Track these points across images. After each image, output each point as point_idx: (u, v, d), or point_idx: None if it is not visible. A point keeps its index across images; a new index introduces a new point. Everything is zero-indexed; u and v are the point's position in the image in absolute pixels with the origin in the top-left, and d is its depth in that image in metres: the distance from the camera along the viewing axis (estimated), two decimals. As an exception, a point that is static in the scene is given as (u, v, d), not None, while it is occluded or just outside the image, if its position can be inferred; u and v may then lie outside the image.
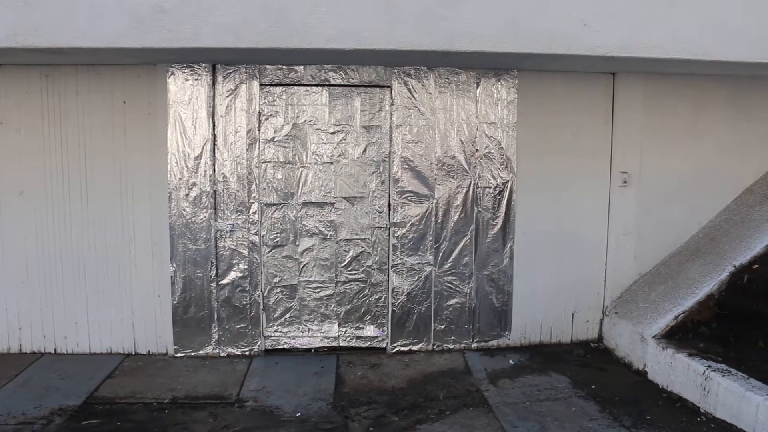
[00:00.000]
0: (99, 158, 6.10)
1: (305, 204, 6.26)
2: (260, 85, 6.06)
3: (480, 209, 6.36)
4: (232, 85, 6.01)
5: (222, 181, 6.09)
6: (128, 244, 6.21)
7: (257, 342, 6.30)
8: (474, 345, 6.50)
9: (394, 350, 6.41)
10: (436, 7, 5.22)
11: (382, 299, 6.44)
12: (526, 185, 6.44)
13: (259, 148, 6.12)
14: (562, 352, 6.50)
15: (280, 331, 6.38)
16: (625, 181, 6.57)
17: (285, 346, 6.40)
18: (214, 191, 6.09)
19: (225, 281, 6.20)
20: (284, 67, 6.06)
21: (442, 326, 6.44)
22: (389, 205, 6.30)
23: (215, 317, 6.21)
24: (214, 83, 6.00)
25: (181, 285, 6.15)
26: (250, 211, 6.15)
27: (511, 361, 6.21)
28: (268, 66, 6.04)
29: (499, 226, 6.41)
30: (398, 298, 6.36)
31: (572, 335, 6.76)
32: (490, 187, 6.35)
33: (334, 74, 6.12)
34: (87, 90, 6.04)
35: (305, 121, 6.18)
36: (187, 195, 6.05)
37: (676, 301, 5.93)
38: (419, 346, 6.44)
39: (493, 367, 6.08)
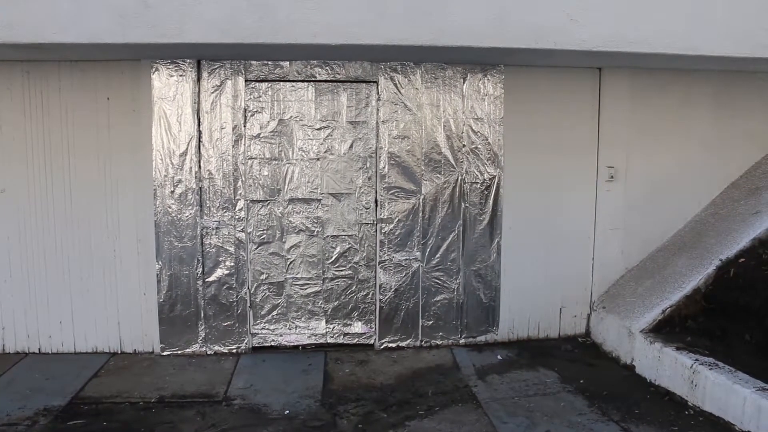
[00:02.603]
0: (83, 155, 6.04)
1: (292, 200, 6.23)
2: (246, 81, 6.01)
3: (467, 205, 6.34)
4: (217, 81, 5.96)
5: (208, 177, 6.04)
6: (113, 241, 6.15)
7: (244, 340, 6.26)
8: (462, 341, 6.49)
9: (382, 347, 6.40)
10: (422, 1, 5.20)
11: (370, 295, 6.42)
12: (513, 180, 6.44)
13: (244, 145, 6.07)
14: (550, 347, 6.51)
15: (268, 329, 6.35)
16: (612, 176, 6.59)
17: (272, 344, 6.37)
18: (200, 188, 6.04)
19: (211, 279, 6.15)
20: (270, 62, 6.01)
21: (430, 322, 6.43)
22: (376, 201, 6.27)
23: (202, 315, 6.17)
24: (199, 79, 5.94)
25: (167, 283, 6.10)
26: (236, 208, 6.11)
27: (499, 357, 6.21)
28: (253, 62, 5.99)
29: (486, 221, 6.40)
30: (386, 295, 6.34)
31: (560, 330, 6.77)
32: (477, 183, 6.34)
33: (320, 70, 6.08)
34: (70, 86, 5.97)
35: (291, 117, 6.14)
36: (172, 192, 6.00)
37: (663, 296, 5.95)
38: (407, 342, 6.43)
39: (482, 362, 6.07)
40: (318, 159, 6.20)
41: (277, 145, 6.15)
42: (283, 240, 6.27)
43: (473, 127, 6.28)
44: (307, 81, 6.11)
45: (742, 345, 5.30)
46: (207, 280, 6.15)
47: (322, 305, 6.38)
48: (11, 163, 6.00)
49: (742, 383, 4.59)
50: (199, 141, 5.99)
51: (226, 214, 6.10)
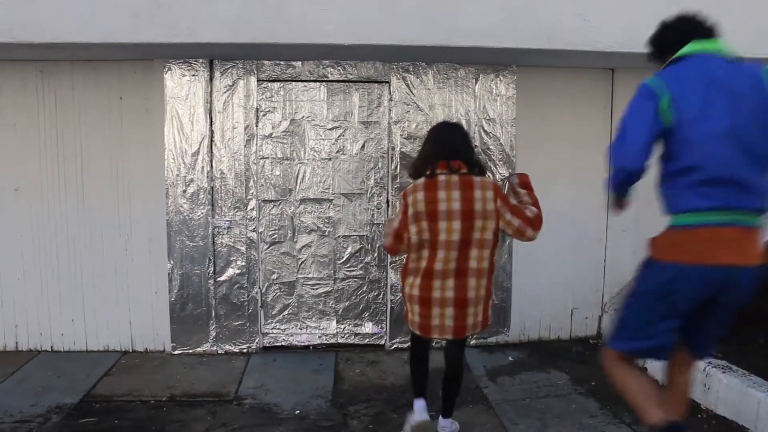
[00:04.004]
0: (95, 154, 6.07)
1: (303, 200, 6.23)
2: (258, 80, 6.02)
3: (479, 205, 6.31)
4: (229, 80, 5.97)
5: (219, 177, 6.05)
6: (125, 240, 6.17)
7: (255, 339, 6.26)
8: (473, 342, 6.46)
9: (393, 347, 6.39)
10: (435, 2, 5.20)
11: (381, 296, 6.41)
12: (525, 181, 6.41)
13: (256, 144, 6.08)
14: (561, 348, 6.48)
15: (278, 329, 6.35)
16: (624, 178, 6.54)
17: (283, 344, 6.37)
18: (212, 188, 6.05)
19: (223, 278, 6.16)
20: (282, 62, 6.02)
21: (441, 323, 6.40)
22: (388, 202, 6.26)
23: (213, 314, 6.18)
24: (211, 79, 5.96)
25: (179, 282, 6.11)
26: (248, 208, 6.11)
27: (510, 358, 6.19)
28: (265, 61, 6.00)
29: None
30: (397, 295, 6.32)
31: (571, 332, 6.74)
32: (489, 184, 6.31)
33: (332, 70, 6.08)
34: (83, 86, 6.00)
35: (303, 117, 6.14)
36: (184, 191, 6.02)
37: (676, 298, 5.91)
38: (418, 343, 6.41)
39: (492, 364, 6.05)
40: (330, 159, 6.20)
41: (289, 144, 6.16)
42: (295, 240, 6.27)
43: (485, 128, 6.26)
44: (319, 81, 6.11)
45: (756, 348, 5.27)
46: (218, 279, 6.16)
47: (333, 305, 6.38)
48: (25, 161, 6.03)
49: (756, 387, 4.55)
50: (211, 140, 6.00)
51: (237, 213, 6.11)
